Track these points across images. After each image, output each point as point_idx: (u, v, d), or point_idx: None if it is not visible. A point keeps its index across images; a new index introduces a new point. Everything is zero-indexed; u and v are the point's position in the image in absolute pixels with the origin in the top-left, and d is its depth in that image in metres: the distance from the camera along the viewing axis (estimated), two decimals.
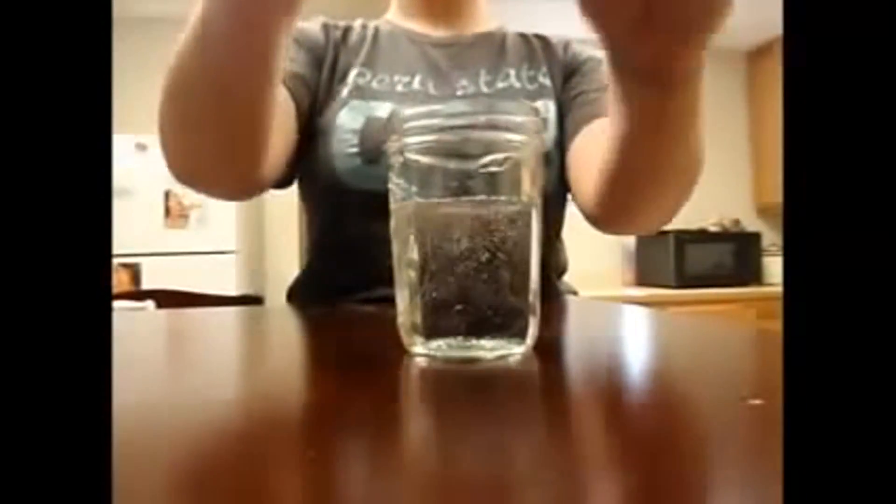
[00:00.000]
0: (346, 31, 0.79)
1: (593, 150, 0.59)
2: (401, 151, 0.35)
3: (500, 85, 0.76)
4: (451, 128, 0.34)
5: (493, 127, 0.34)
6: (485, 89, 0.76)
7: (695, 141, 0.49)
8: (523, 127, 0.35)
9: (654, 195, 0.56)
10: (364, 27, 0.80)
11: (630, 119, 0.45)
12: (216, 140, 0.53)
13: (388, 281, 0.38)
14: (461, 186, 0.34)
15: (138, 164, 2.54)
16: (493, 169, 0.34)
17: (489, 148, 0.34)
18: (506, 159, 0.34)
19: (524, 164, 0.35)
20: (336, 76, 0.74)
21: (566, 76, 0.78)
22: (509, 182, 0.35)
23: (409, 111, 0.35)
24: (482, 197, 0.34)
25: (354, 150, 0.69)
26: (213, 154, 0.54)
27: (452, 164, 0.34)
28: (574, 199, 0.71)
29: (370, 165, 0.69)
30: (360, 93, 0.73)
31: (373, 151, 0.69)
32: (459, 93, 0.75)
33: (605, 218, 0.63)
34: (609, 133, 0.51)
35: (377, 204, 0.43)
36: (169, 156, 0.56)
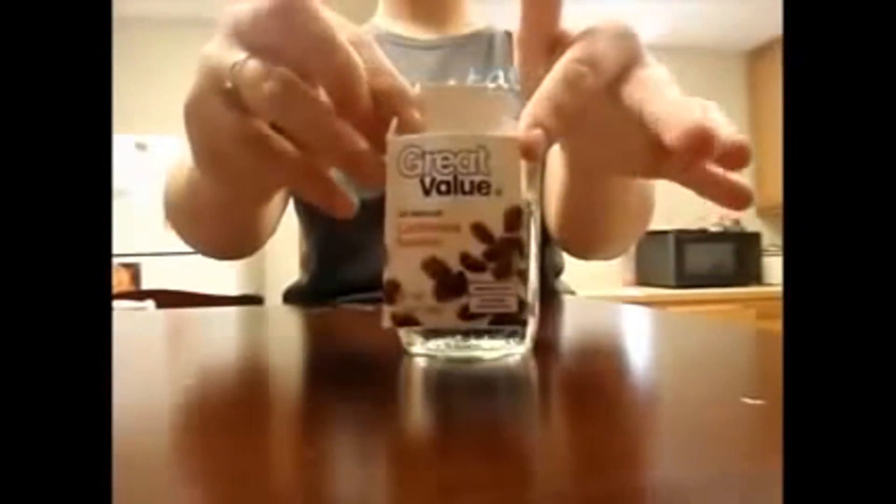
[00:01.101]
0: None
1: (555, 173, 0.61)
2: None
3: (490, 86, 0.76)
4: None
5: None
6: None
7: (639, 187, 0.53)
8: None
9: (606, 226, 0.58)
10: None
11: (572, 162, 0.46)
12: (220, 234, 0.56)
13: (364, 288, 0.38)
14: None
15: (138, 164, 2.54)
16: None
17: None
18: None
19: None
20: None
21: None
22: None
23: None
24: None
25: None
26: (218, 243, 0.59)
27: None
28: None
29: None
30: None
31: None
32: None
33: (565, 242, 0.66)
34: (558, 175, 0.53)
35: (370, 209, 0.43)
36: (174, 230, 0.59)
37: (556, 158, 0.61)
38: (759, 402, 0.25)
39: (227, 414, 0.26)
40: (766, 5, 2.86)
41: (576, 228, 0.60)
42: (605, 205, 0.54)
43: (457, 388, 0.30)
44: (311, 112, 0.27)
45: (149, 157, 2.55)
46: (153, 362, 0.40)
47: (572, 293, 0.83)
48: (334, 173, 0.70)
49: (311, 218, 0.77)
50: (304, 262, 0.81)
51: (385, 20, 0.83)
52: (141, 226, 2.50)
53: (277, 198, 0.63)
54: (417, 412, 0.27)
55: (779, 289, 2.96)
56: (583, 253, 0.67)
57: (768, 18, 3.04)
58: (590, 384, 0.31)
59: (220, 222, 0.50)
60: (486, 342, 0.34)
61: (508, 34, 0.82)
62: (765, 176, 3.44)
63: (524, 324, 0.35)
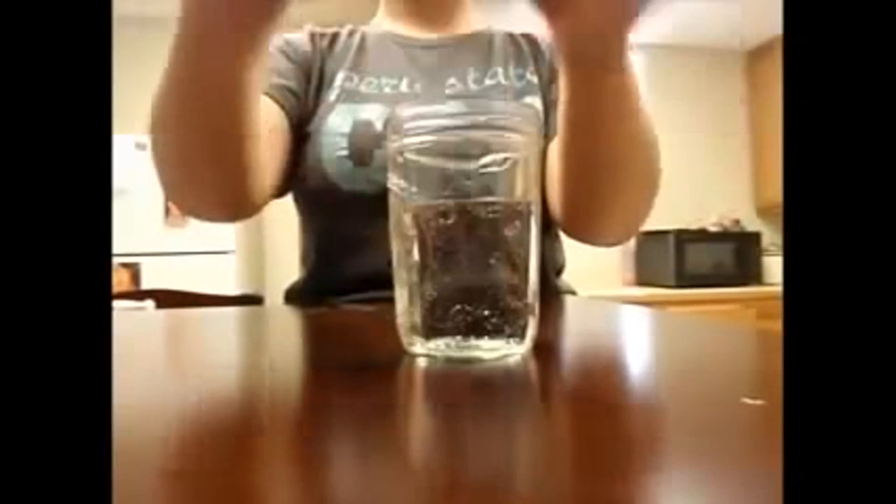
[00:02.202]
0: (334, 38, 0.80)
1: (554, 159, 0.61)
2: (400, 151, 0.35)
3: (488, 82, 0.76)
4: (451, 128, 0.34)
5: (493, 127, 0.34)
6: (473, 87, 0.76)
7: (642, 132, 0.53)
8: (522, 127, 0.35)
9: (611, 191, 0.57)
10: (351, 34, 0.80)
11: (572, 102, 0.50)
12: (204, 169, 0.53)
13: (385, 282, 0.38)
14: (460, 186, 0.34)
15: (138, 164, 2.53)
16: (492, 169, 0.34)
17: (488, 148, 0.34)
18: (505, 159, 0.34)
19: (523, 164, 0.35)
20: (324, 83, 0.75)
21: (551, 79, 0.78)
22: (508, 182, 0.35)
23: (408, 111, 0.35)
24: (482, 197, 0.34)
25: (344, 152, 0.70)
26: (205, 182, 0.55)
27: (451, 165, 0.34)
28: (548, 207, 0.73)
29: (360, 167, 0.69)
30: (348, 96, 0.73)
31: (362, 153, 0.69)
32: (448, 91, 0.76)
33: (571, 223, 0.64)
34: (561, 126, 0.53)
35: (369, 205, 0.44)
36: (165, 187, 0.57)
37: (553, 154, 0.62)
38: (759, 402, 0.25)
39: (226, 414, 0.26)
40: (766, 5, 2.86)
41: (581, 197, 0.59)
42: (611, 162, 0.54)
43: (457, 388, 0.30)
44: None
45: (148, 157, 2.54)
46: (152, 363, 0.40)
47: (573, 293, 0.83)
48: (329, 166, 0.71)
49: (310, 212, 0.77)
50: (304, 259, 0.81)
51: (386, 20, 0.83)
52: (141, 225, 2.49)
53: (277, 132, 0.62)
54: (418, 412, 0.27)
55: (779, 289, 2.95)
56: (588, 232, 0.65)
57: (768, 18, 3.04)
58: (590, 385, 0.31)
59: (202, 119, 0.48)
60: (486, 342, 0.34)
61: (510, 35, 0.82)
62: (764, 176, 3.44)
63: (524, 324, 0.35)
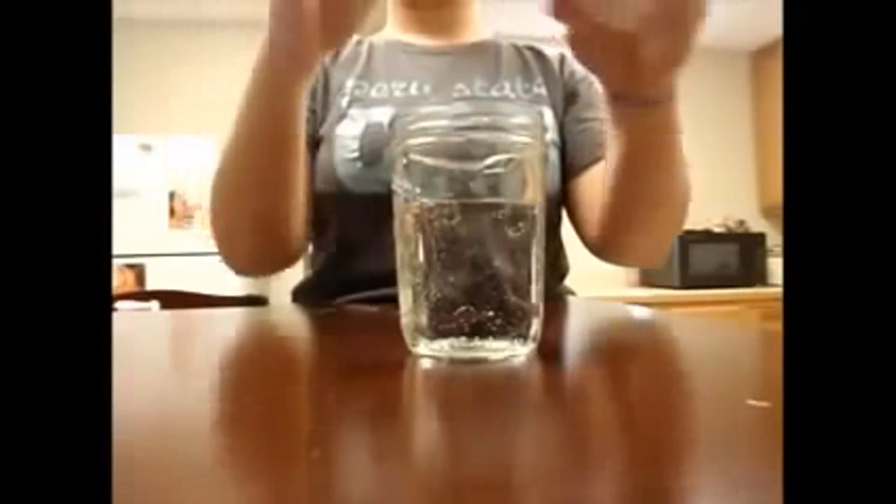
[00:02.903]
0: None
1: (598, 190, 0.64)
2: (405, 153, 0.36)
3: (495, 94, 0.77)
4: (455, 129, 0.34)
5: (497, 128, 0.34)
6: (480, 94, 0.77)
7: (679, 165, 0.56)
8: (526, 128, 0.35)
9: (648, 225, 0.62)
10: (359, 43, 0.82)
11: (620, 137, 0.52)
12: (255, 206, 0.62)
13: (392, 282, 0.38)
14: (465, 188, 0.34)
15: (142, 165, 2.54)
16: (496, 170, 0.34)
17: (493, 149, 0.34)
18: (509, 161, 0.34)
19: (528, 165, 0.35)
20: (330, 92, 0.78)
21: (567, 96, 0.79)
22: (513, 183, 0.35)
23: (412, 113, 0.35)
24: (486, 198, 0.34)
25: (355, 154, 0.71)
26: (253, 223, 0.63)
27: (456, 166, 0.34)
28: (578, 231, 0.76)
29: (370, 168, 0.71)
30: (360, 103, 0.75)
31: (372, 154, 0.71)
32: (456, 95, 0.76)
33: (604, 246, 0.69)
34: (607, 158, 0.57)
35: (379, 206, 0.46)
36: (219, 240, 0.66)
37: (600, 180, 0.63)
38: (763, 404, 0.24)
39: (231, 414, 0.26)
40: (770, 5, 2.85)
41: (619, 225, 0.63)
42: (653, 197, 0.58)
43: (462, 389, 0.30)
44: None
45: (153, 158, 2.56)
46: (154, 364, 0.40)
47: (572, 293, 0.83)
48: (340, 168, 0.73)
49: (320, 214, 0.77)
50: (312, 258, 0.82)
51: (395, 31, 0.84)
52: (146, 226, 2.50)
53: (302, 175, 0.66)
54: (423, 413, 0.27)
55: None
56: (620, 257, 0.70)
57: (773, 18, 3.03)
58: (596, 386, 0.31)
59: (259, 163, 0.59)
60: (490, 343, 0.34)
61: (515, 47, 0.83)
62: (769, 175, 3.43)
63: (529, 325, 0.35)
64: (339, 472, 0.19)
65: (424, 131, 0.34)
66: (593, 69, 0.46)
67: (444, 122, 0.34)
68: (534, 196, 0.36)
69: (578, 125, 0.77)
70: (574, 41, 0.42)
